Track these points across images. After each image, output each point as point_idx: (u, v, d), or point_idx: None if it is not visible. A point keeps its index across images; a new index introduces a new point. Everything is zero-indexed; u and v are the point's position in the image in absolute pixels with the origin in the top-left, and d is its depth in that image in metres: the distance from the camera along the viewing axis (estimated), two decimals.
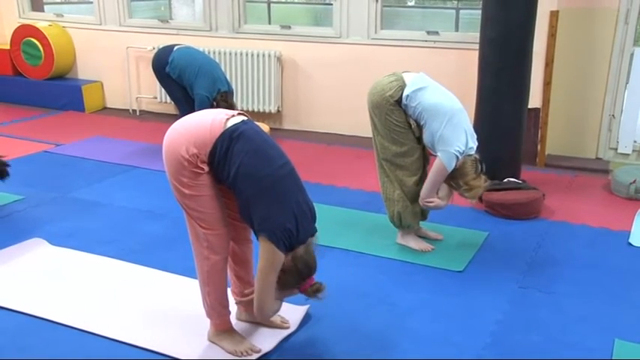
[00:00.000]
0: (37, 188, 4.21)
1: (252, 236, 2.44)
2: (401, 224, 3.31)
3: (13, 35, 6.54)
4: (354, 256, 3.28)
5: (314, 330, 2.60)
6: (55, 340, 2.51)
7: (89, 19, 6.59)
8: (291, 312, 2.63)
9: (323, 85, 5.67)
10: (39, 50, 6.43)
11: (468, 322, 2.67)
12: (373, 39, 5.40)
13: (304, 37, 5.67)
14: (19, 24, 6.56)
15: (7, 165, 3.77)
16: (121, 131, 5.76)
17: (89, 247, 3.33)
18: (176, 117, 5.45)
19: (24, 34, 6.48)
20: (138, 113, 6.49)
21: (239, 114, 2.32)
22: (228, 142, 2.18)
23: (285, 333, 2.53)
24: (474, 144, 3.09)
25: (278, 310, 2.43)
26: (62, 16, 6.71)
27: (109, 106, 6.72)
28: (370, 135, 3.28)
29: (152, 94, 6.34)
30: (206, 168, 2.21)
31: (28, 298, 2.80)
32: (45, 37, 6.39)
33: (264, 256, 2.19)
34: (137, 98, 6.48)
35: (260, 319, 2.53)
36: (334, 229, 3.51)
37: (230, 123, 2.23)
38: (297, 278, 2.24)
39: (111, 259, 3.21)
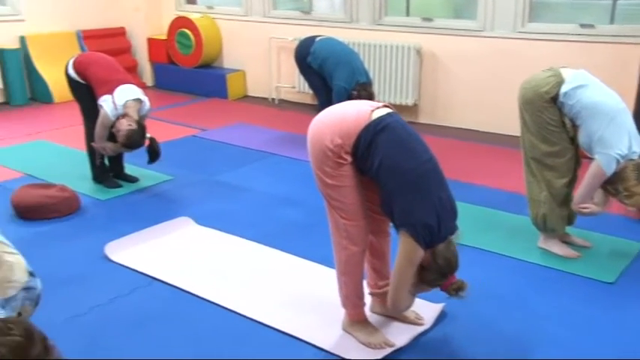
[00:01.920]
0: (185, 170, 4.50)
1: (391, 229, 2.44)
2: (545, 227, 3.15)
3: (169, 26, 7.01)
4: (491, 257, 3.17)
5: (448, 329, 2.55)
6: (199, 314, 2.67)
7: (236, 10, 6.90)
8: (427, 309, 2.60)
9: (463, 80, 5.52)
10: (190, 40, 6.85)
11: (619, 337, 2.49)
12: (520, 32, 5.16)
13: (445, 29, 5.54)
14: (176, 16, 7.03)
15: (157, 149, 3.99)
16: (261, 119, 5.99)
17: (231, 228, 3.50)
18: (314, 107, 5.64)
19: (179, 25, 6.94)
20: (277, 102, 6.71)
21: (384, 106, 2.31)
22: (372, 134, 2.18)
23: (419, 329, 2.51)
24: (637, 148, 2.85)
25: (411, 305, 2.41)
26: (213, 8, 7.09)
27: (250, 94, 7.01)
28: (514, 133, 3.15)
29: (291, 83, 6.53)
30: (349, 159, 2.23)
31: (176, 271, 3.01)
32: (196, 28, 6.79)
33: (402, 250, 2.18)
34: (277, 87, 6.70)
35: (393, 313, 2.53)
36: (471, 227, 3.41)
37: (375, 115, 2.24)
38: (437, 275, 2.21)
39: (251, 241, 3.36)
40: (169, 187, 4.19)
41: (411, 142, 2.21)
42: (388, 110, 2.29)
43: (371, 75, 4.92)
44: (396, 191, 2.16)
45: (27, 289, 1.58)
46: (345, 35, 5.64)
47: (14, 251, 1.64)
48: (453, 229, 2.25)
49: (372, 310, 2.61)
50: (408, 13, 5.97)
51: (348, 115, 2.25)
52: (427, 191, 2.17)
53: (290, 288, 2.88)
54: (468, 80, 5.49)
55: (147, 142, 3.96)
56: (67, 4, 6.66)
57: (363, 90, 4.59)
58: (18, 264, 1.61)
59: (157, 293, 2.83)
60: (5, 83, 6.24)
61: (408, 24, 5.77)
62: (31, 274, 1.63)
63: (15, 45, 6.27)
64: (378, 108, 2.27)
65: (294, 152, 4.86)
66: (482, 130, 5.48)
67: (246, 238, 3.39)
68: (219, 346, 2.45)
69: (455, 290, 2.22)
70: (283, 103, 6.69)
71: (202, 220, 3.60)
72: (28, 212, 3.58)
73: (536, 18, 5.20)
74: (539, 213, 3.12)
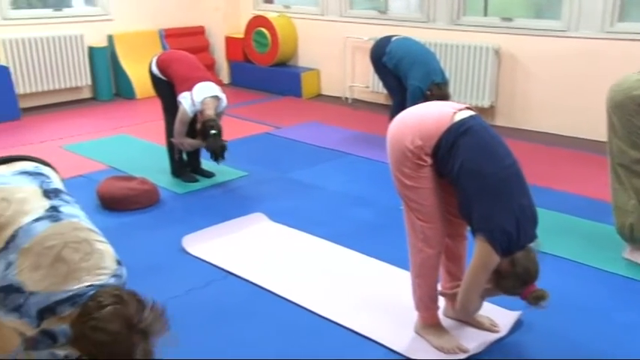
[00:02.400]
0: (259, 166, 4.58)
1: (468, 233, 2.40)
2: (632, 238, 3.00)
3: (247, 25, 7.15)
4: (571, 266, 3.06)
5: (524, 338, 2.48)
6: (272, 309, 2.72)
7: (312, 10, 6.95)
8: (502, 316, 2.53)
9: (543, 82, 5.35)
10: (267, 39, 6.96)
11: None
12: (608, 32, 4.93)
13: (526, 29, 5.38)
14: (253, 15, 7.16)
15: (220, 147, 3.99)
16: (335, 118, 6.02)
17: (304, 226, 3.53)
18: (388, 107, 5.61)
19: (256, 24, 7.06)
20: (350, 101, 6.72)
21: (467, 108, 2.27)
22: (454, 137, 2.15)
23: (493, 336, 2.45)
24: None
25: (479, 309, 2.36)
26: (289, 7, 7.18)
27: (323, 93, 7.05)
28: (597, 137, 3.02)
29: (365, 83, 6.52)
30: (429, 161, 2.20)
31: (250, 267, 3.06)
32: (273, 27, 6.89)
33: (478, 255, 2.14)
34: (351, 87, 6.71)
35: (461, 316, 2.50)
36: (550, 234, 3.28)
37: (458, 117, 2.20)
38: (516, 283, 2.15)
39: (323, 240, 3.37)
40: (244, 183, 4.27)
41: (493, 146, 2.16)
42: (471, 113, 2.25)
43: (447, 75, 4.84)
44: (475, 195, 2.12)
45: (115, 276, 1.64)
46: (421, 35, 5.57)
47: (104, 240, 1.71)
48: (532, 237, 2.18)
49: (446, 314, 2.57)
50: (485, 13, 5.84)
51: (430, 116, 2.22)
52: (508, 197, 2.12)
53: (362, 288, 2.88)
54: (550, 82, 5.31)
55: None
56: (151, 4, 6.91)
57: (438, 90, 4.53)
58: (107, 252, 1.68)
59: (231, 287, 2.90)
60: (93, 80, 6.54)
61: (487, 24, 5.64)
62: (119, 262, 1.70)
63: (103, 43, 6.57)
64: (460, 110, 2.23)
65: (367, 152, 4.86)
66: (561, 133, 5.29)
67: (319, 236, 3.41)
68: (291, 342, 2.48)
69: (534, 299, 2.15)
70: (357, 102, 6.69)
71: (276, 217, 3.65)
72: (112, 203, 3.74)
73: (626, 17, 4.96)
74: (627, 222, 2.97)
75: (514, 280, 2.14)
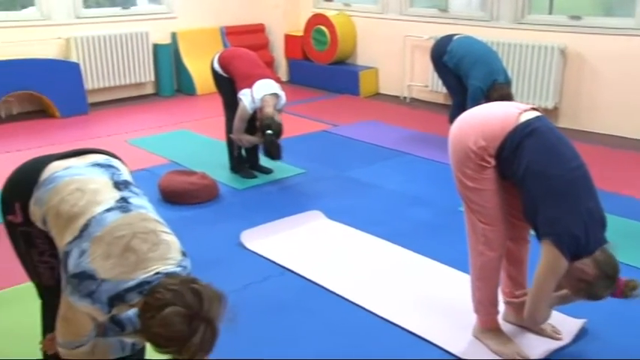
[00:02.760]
0: (317, 164, 4.60)
1: (531, 237, 2.34)
2: None
3: (306, 23, 7.19)
4: None
5: (589, 347, 2.40)
6: (328, 306, 2.73)
7: (372, 8, 6.92)
8: (566, 323, 2.46)
9: (612, 83, 5.15)
10: (326, 37, 6.98)
11: None
12: None
13: (596, 28, 5.20)
14: (312, 13, 7.19)
15: (276, 146, 4.01)
16: (392, 117, 5.98)
17: (361, 224, 3.53)
18: (446, 107, 5.53)
19: (315, 22, 7.09)
20: (408, 100, 6.66)
21: (532, 109, 2.22)
22: (519, 138, 2.10)
23: (556, 344, 2.38)
24: None
25: (548, 318, 2.30)
26: (349, 5, 7.17)
27: (381, 91, 7.01)
28: None
29: (424, 82, 6.44)
30: (493, 162, 2.16)
31: (308, 263, 3.08)
32: (332, 25, 6.90)
33: (545, 260, 2.08)
34: (409, 86, 6.65)
35: (529, 325, 2.43)
36: (617, 241, 3.17)
37: (523, 118, 2.15)
38: (609, 284, 2.06)
39: (380, 239, 3.36)
40: (301, 180, 4.30)
41: (560, 148, 2.10)
42: (537, 113, 2.19)
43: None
44: (541, 198, 2.06)
45: (180, 267, 1.68)
46: (483, 34, 5.46)
47: (169, 231, 1.75)
48: (601, 240, 2.11)
49: (506, 319, 2.51)
50: (551, 11, 5.68)
51: (494, 116, 2.18)
52: (575, 199, 2.05)
53: (418, 288, 2.85)
54: (618, 83, 5.11)
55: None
56: (213, 2, 7.03)
57: (500, 90, 4.43)
58: (173, 243, 1.72)
59: (288, 283, 2.92)
60: (156, 76, 6.71)
61: (553, 22, 5.48)
62: (184, 253, 1.73)
63: (167, 40, 6.74)
64: (525, 111, 2.18)
65: (425, 152, 4.81)
66: (629, 136, 5.09)
67: (375, 235, 3.39)
68: (345, 339, 2.49)
69: (631, 290, 2.05)
70: (415, 101, 6.62)
71: (333, 215, 3.65)
72: (173, 197, 3.83)
73: None
74: None
75: (605, 281, 2.05)
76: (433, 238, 3.38)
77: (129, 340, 1.85)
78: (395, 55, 6.70)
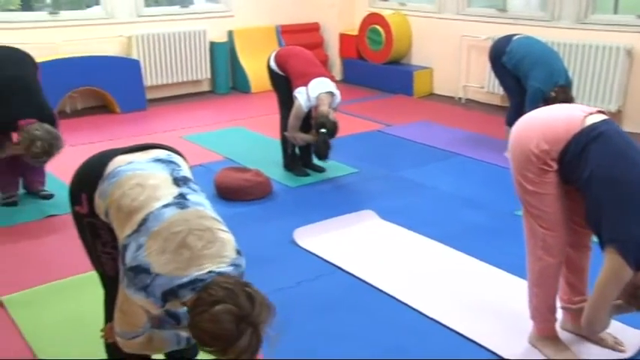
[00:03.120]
0: (369, 163, 4.58)
1: (592, 244, 2.27)
2: None
3: (361, 22, 7.17)
4: None
5: None
6: (381, 306, 2.72)
7: (428, 7, 6.85)
8: (629, 335, 2.38)
9: None
10: (381, 36, 6.94)
11: None
12: None
13: None
14: (368, 12, 7.16)
15: (327, 145, 4.06)
16: (446, 118, 5.90)
17: (413, 225, 3.50)
18: (503, 108, 5.42)
19: (370, 21, 7.06)
20: (463, 101, 6.56)
21: (598, 112, 2.15)
22: (585, 141, 2.03)
23: (617, 356, 2.30)
24: None
25: (607, 327, 2.22)
26: (405, 4, 7.11)
27: (435, 92, 6.93)
28: None
29: (480, 83, 6.34)
30: (555, 166, 2.10)
31: (360, 263, 3.08)
32: (387, 25, 6.86)
33: (608, 268, 2.01)
34: (464, 86, 6.55)
35: (587, 334, 2.36)
36: None
37: (589, 121, 2.08)
38: None
39: (432, 240, 3.32)
40: (354, 180, 4.29)
41: (629, 152, 2.03)
42: (603, 117, 2.12)
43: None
44: (607, 204, 2.00)
45: (234, 265, 1.68)
46: (544, 35, 5.32)
47: (226, 229, 1.76)
48: None
49: (563, 327, 2.45)
50: (616, 11, 5.48)
51: (558, 119, 2.12)
52: None
53: (471, 291, 2.81)
54: None
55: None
56: (270, 0, 7.10)
57: (561, 93, 4.31)
58: (229, 241, 1.72)
59: (340, 282, 2.92)
60: (212, 73, 6.83)
61: (619, 22, 5.29)
62: (239, 252, 1.73)
63: (223, 39, 6.84)
64: (591, 113, 2.11)
65: (480, 153, 4.73)
66: None
67: (428, 237, 3.36)
68: (397, 339, 2.48)
69: None
70: (470, 102, 6.52)
71: (385, 215, 3.64)
72: (227, 193, 3.89)
73: None
74: None
75: None
76: (487, 241, 3.32)
77: (184, 334, 1.88)
78: (450, 55, 6.61)
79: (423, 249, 3.24)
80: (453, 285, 2.87)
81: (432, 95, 6.89)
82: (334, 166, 4.42)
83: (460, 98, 6.59)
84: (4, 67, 3.52)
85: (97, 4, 6.13)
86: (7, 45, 3.88)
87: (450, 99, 6.67)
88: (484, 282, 2.90)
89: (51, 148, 3.31)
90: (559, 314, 2.39)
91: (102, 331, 2.00)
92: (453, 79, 6.64)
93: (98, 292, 2.07)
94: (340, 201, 3.91)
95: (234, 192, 3.87)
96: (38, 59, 3.88)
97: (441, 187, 4.12)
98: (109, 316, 1.97)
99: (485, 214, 3.68)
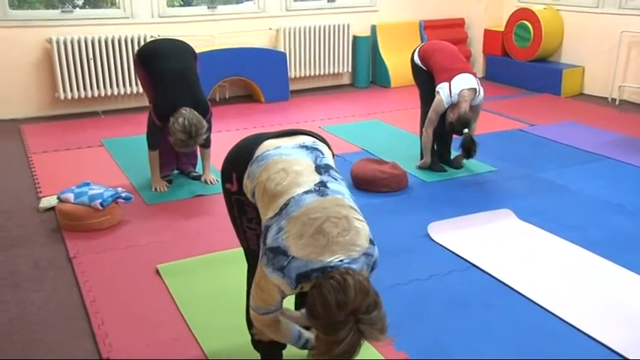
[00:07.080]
0: (509, 163, 4.45)
1: None
2: None
3: (509, 18, 6.94)
4: None
5: None
6: (514, 306, 2.65)
7: (585, 2, 6.46)
8: None
9: None
10: (529, 32, 6.67)
11: None
12: None
13: None
14: (517, 7, 6.91)
15: (475, 144, 4.02)
16: (597, 119, 5.56)
17: (553, 228, 3.36)
18: None
19: (519, 17, 6.81)
20: (617, 102, 6.13)
21: None
22: None
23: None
24: None
25: None
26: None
27: (585, 92, 6.55)
28: None
29: (639, 83, 5.88)
30: None
31: (495, 261, 3.02)
32: (537, 20, 6.57)
33: None
34: (620, 86, 6.12)
35: None
36: None
37: None
38: None
39: (573, 244, 3.18)
40: (491, 178, 4.19)
41: None
42: None
43: None
44: None
45: (367, 254, 1.72)
46: None
47: (362, 219, 1.80)
48: None
49: None
50: None
51: None
52: None
53: (612, 299, 2.67)
54: None
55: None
56: None
57: None
58: (363, 230, 1.76)
59: (473, 279, 2.89)
60: (353, 67, 6.96)
61: None
62: (372, 242, 1.77)
63: (366, 33, 6.94)
64: None
65: (633, 158, 4.42)
66: None
67: (568, 240, 3.22)
68: (529, 340, 2.41)
69: None
70: (625, 104, 6.08)
71: (523, 215, 3.53)
72: (362, 183, 3.97)
73: None
74: None
75: None
76: (636, 250, 3.11)
77: (307, 335, 1.96)
78: (606, 52, 6.21)
79: (563, 252, 3.11)
80: (593, 291, 2.73)
81: (581, 95, 6.52)
82: (472, 164, 4.35)
83: (614, 99, 6.17)
84: (170, 60, 3.86)
85: None
86: (172, 37, 4.25)
87: (601, 99, 6.26)
88: (628, 290, 2.73)
89: (190, 127, 3.56)
90: None
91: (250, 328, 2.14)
92: (607, 78, 6.24)
93: (242, 268, 2.22)
94: (476, 198, 3.84)
95: (369, 182, 3.95)
96: (197, 50, 4.21)
97: (586, 191, 3.91)
98: (250, 287, 2.11)
99: (635, 221, 3.45)
